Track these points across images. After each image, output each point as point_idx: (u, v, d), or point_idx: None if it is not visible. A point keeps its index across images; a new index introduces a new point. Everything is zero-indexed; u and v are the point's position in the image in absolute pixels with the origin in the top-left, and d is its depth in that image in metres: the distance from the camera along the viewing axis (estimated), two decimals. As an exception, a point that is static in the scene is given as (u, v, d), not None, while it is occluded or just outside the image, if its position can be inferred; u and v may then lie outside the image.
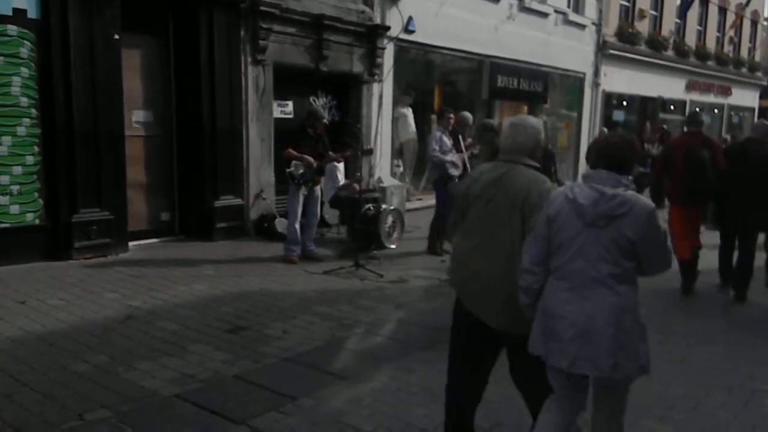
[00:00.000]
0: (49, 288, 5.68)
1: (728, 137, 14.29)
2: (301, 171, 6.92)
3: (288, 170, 6.92)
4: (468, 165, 7.86)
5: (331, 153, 7.14)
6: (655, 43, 18.10)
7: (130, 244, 7.25)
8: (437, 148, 7.64)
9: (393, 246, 7.92)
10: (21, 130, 6.44)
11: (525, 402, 2.83)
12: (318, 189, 7.22)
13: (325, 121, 7.91)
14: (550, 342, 2.47)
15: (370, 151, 8.02)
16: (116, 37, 6.87)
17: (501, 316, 2.68)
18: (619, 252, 2.38)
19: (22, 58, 6.38)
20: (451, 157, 7.69)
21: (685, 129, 6.31)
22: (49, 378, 3.84)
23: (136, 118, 7.60)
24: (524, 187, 2.65)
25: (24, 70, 6.40)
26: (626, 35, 16.77)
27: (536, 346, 2.54)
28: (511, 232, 2.65)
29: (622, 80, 16.75)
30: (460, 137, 7.96)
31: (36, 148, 6.53)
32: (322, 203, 7.82)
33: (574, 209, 2.45)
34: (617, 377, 2.39)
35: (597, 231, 2.40)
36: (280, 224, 8.21)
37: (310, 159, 6.90)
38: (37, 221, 6.59)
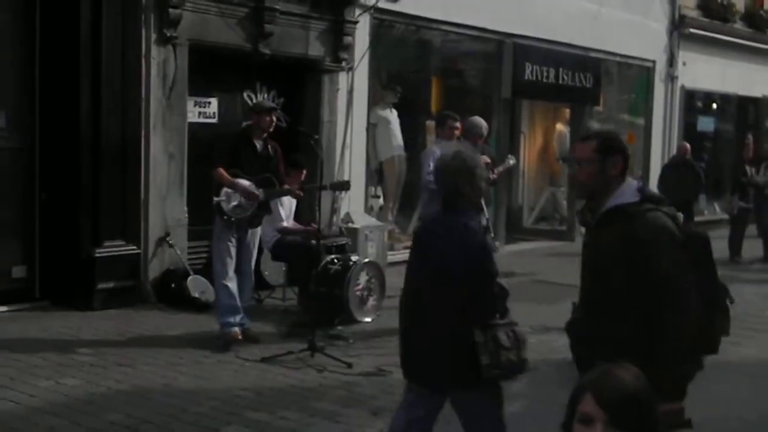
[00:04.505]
0: None
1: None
2: (234, 203, 6.95)
3: (216, 199, 6.94)
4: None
5: (297, 188, 7.17)
6: (756, 20, 18.56)
7: (-36, 314, 7.17)
8: None
9: (368, 319, 7.94)
10: None
11: None
12: (257, 232, 7.26)
13: (280, 120, 7.90)
14: None
15: (345, 186, 8.04)
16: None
17: None
18: None
19: None
20: None
21: None
22: None
23: (-22, 123, 7.65)
24: None
25: None
26: (714, 8, 17.21)
27: None
28: None
29: (710, 72, 17.11)
30: (470, 154, 8.10)
31: None
32: (260, 252, 7.83)
33: None
34: None
35: None
36: (194, 285, 8.20)
37: (247, 187, 6.92)
38: None
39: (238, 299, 7.03)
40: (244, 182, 6.97)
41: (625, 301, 3.28)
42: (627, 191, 3.37)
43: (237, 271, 7.11)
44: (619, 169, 3.39)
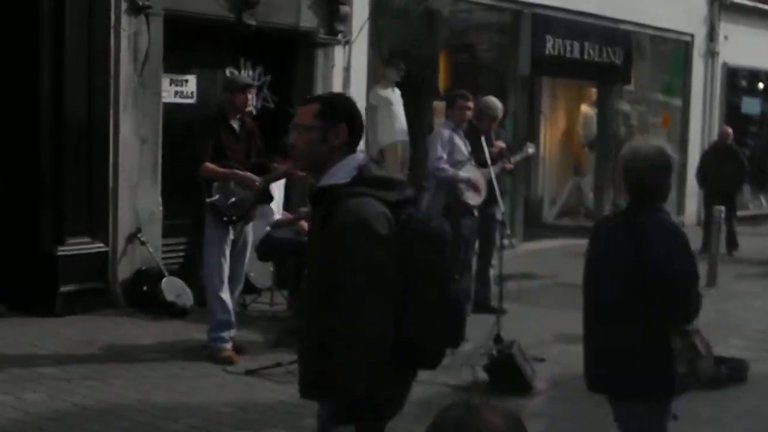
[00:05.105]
0: None
1: None
2: (232, 200, 6.90)
3: (209, 200, 6.90)
4: (496, 185, 7.94)
5: (276, 165, 7.16)
6: (808, -13, 18.62)
7: None
8: (444, 156, 7.78)
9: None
10: None
11: None
12: (250, 229, 7.26)
13: (267, 101, 7.75)
14: None
15: None
16: None
17: None
18: None
19: None
20: (467, 172, 7.81)
21: None
22: None
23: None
24: None
25: None
26: (759, -27, 17.26)
27: None
28: None
29: (755, 47, 17.05)
30: (483, 139, 8.07)
31: None
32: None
33: None
34: None
35: None
36: (169, 287, 8.21)
37: (249, 176, 6.91)
38: None
39: (232, 313, 7.03)
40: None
41: (324, 294, 3.08)
42: (345, 169, 3.15)
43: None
44: (342, 139, 3.20)
